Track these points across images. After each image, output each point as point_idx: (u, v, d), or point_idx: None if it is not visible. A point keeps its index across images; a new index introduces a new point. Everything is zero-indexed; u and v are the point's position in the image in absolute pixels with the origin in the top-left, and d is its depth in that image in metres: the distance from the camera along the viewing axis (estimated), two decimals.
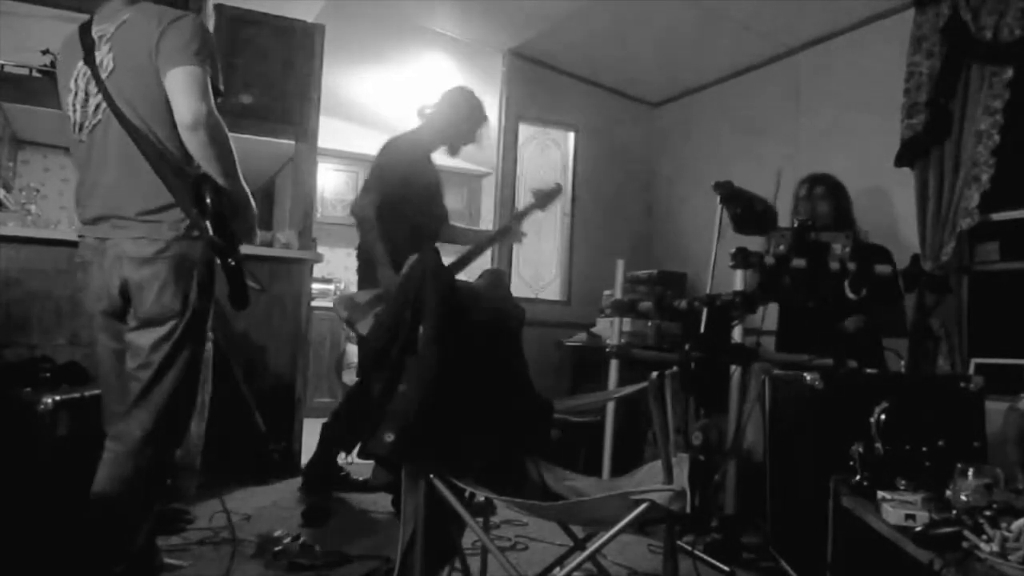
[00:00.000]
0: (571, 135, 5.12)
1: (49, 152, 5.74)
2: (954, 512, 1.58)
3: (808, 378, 2.30)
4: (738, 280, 2.82)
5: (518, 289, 4.84)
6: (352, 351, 5.55)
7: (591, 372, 4.19)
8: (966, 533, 1.45)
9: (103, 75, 1.83)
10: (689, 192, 4.80)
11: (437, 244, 3.14)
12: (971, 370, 3.00)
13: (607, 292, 4.01)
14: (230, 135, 1.83)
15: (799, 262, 2.67)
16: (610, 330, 3.45)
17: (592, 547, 1.58)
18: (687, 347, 2.33)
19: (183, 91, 1.76)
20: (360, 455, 1.76)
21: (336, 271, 6.62)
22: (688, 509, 1.47)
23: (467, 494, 1.77)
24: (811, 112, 4.01)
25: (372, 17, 4.59)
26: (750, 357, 2.74)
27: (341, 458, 3.45)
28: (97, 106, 1.85)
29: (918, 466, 1.87)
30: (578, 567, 1.57)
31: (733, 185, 2.74)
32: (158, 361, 1.84)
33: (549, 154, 5.13)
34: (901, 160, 3.26)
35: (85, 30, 1.90)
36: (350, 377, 5.55)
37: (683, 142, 5.01)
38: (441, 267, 1.78)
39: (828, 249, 2.70)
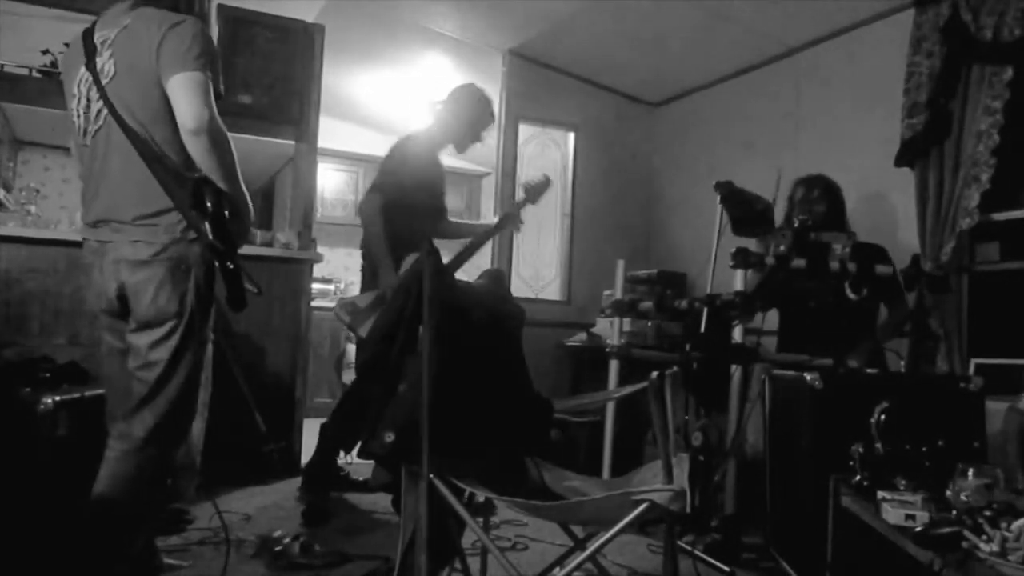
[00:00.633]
0: (571, 135, 5.12)
1: (49, 152, 5.74)
2: (954, 512, 1.58)
3: (808, 378, 2.29)
4: (738, 280, 2.83)
5: (518, 289, 4.84)
6: (352, 351, 5.54)
7: (591, 372, 4.20)
8: (966, 533, 1.45)
9: (104, 81, 1.84)
10: (689, 192, 4.80)
11: (435, 240, 3.14)
12: (971, 370, 3.00)
13: (607, 292, 4.01)
14: (230, 135, 1.84)
15: (799, 262, 2.68)
16: (610, 330, 3.44)
17: (592, 547, 1.58)
18: (687, 347, 2.34)
19: (185, 97, 1.77)
20: (360, 455, 1.76)
21: (336, 271, 6.62)
22: (688, 509, 1.47)
23: (467, 494, 1.76)
24: (811, 112, 4.01)
25: (372, 17, 4.60)
26: (750, 357, 2.75)
27: (341, 458, 3.45)
28: (99, 112, 1.86)
29: (918, 466, 1.87)
30: (578, 567, 1.57)
31: (733, 185, 2.75)
32: (158, 362, 1.85)
33: (549, 154, 5.12)
34: (901, 160, 3.26)
35: (88, 35, 1.91)
36: (350, 377, 5.54)
37: (683, 142, 5.00)
38: (441, 267, 1.78)
39: (828, 249, 2.70)
